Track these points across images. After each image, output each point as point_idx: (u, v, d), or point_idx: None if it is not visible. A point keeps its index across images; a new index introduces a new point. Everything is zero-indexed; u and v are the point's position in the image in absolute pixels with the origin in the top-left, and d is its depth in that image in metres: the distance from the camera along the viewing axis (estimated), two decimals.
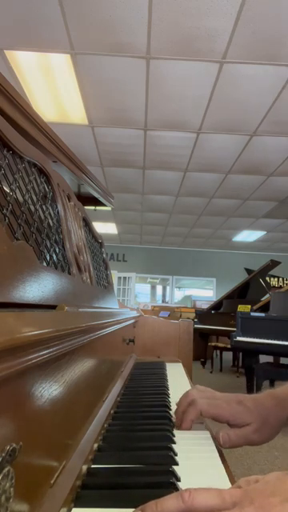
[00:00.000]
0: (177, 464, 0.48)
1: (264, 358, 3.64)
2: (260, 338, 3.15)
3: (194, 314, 6.46)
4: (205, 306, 7.98)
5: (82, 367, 0.53)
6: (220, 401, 0.61)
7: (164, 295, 10.99)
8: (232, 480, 0.45)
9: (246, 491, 0.31)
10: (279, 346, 3.02)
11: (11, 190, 0.48)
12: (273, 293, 3.93)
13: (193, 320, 3.78)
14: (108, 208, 1.44)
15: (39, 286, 0.46)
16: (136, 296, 10.45)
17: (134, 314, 1.34)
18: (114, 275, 9.80)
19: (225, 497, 0.31)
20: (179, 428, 0.61)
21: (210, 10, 2.36)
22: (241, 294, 5.95)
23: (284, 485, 0.31)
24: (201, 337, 5.89)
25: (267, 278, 6.09)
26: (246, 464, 2.24)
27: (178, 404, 0.65)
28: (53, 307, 0.48)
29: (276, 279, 8.01)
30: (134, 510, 0.33)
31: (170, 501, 0.31)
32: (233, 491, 0.32)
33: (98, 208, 1.32)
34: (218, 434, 0.57)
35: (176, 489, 0.40)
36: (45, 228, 0.58)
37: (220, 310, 5.89)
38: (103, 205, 1.31)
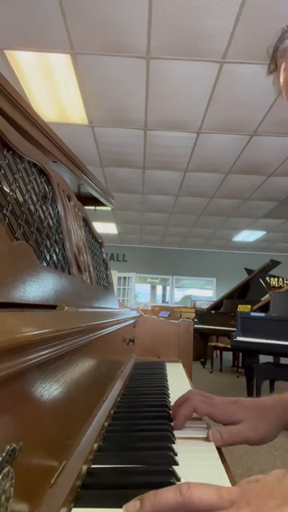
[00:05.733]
0: (177, 464, 0.48)
1: (264, 358, 3.64)
2: (260, 338, 3.15)
3: (194, 314, 6.46)
4: (205, 305, 7.97)
5: (81, 367, 0.53)
6: (215, 400, 0.61)
7: (164, 295, 10.98)
8: (232, 480, 0.45)
9: (244, 491, 0.31)
10: (279, 345, 3.02)
11: (11, 189, 0.48)
12: (273, 293, 3.93)
13: (193, 320, 3.78)
14: (108, 208, 1.44)
15: (39, 286, 0.46)
16: (136, 296, 10.45)
17: (134, 314, 1.34)
18: (114, 275, 9.80)
19: (223, 494, 0.31)
20: (174, 427, 0.62)
21: (210, 9, 2.36)
22: (241, 294, 5.95)
23: (282, 487, 0.31)
24: (201, 337, 5.89)
25: (267, 278, 6.09)
26: (245, 464, 2.24)
27: (175, 402, 0.65)
28: (53, 307, 0.48)
29: (276, 279, 8.00)
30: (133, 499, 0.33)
31: (167, 493, 0.32)
32: (231, 489, 0.32)
33: (98, 208, 1.32)
34: (209, 431, 0.56)
35: None
36: (45, 228, 0.58)
37: (220, 310, 5.89)
38: (103, 205, 1.31)
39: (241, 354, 5.26)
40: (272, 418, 0.57)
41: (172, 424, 0.63)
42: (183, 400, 0.63)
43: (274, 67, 0.60)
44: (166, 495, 0.31)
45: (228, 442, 0.55)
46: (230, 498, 0.30)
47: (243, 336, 3.26)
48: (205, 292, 10.72)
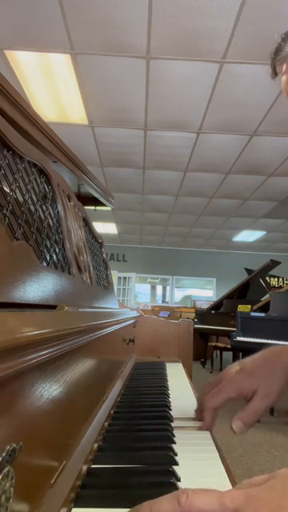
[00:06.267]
0: (177, 464, 0.48)
1: None
2: (260, 338, 3.15)
3: (194, 314, 6.46)
4: (205, 305, 7.97)
5: (81, 367, 0.53)
6: (223, 382, 0.63)
7: (164, 295, 10.98)
8: (232, 480, 0.45)
9: (249, 497, 0.28)
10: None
11: (11, 189, 0.48)
12: (273, 293, 3.93)
13: (193, 320, 3.78)
14: (108, 208, 1.44)
15: (39, 286, 0.46)
16: (136, 296, 10.45)
17: (134, 314, 1.34)
18: (114, 275, 9.80)
19: (225, 503, 0.28)
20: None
21: (210, 9, 2.36)
22: (241, 294, 5.95)
23: None
24: (201, 337, 5.89)
25: (267, 278, 6.09)
26: (246, 464, 2.24)
27: (196, 410, 0.66)
28: (53, 307, 0.48)
29: (276, 279, 8.00)
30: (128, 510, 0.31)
31: (165, 503, 0.29)
32: (235, 495, 0.29)
33: (98, 208, 1.32)
34: (232, 427, 0.56)
35: (176, 489, 0.40)
36: (45, 228, 0.58)
37: (220, 310, 5.89)
38: (103, 205, 1.31)
39: (241, 353, 5.26)
40: (279, 371, 0.59)
41: (172, 424, 0.63)
42: (201, 410, 0.63)
43: (274, 75, 0.66)
44: (164, 506, 0.29)
45: (250, 425, 0.56)
46: (234, 507, 0.28)
47: (243, 336, 3.26)
48: (205, 292, 10.72)
